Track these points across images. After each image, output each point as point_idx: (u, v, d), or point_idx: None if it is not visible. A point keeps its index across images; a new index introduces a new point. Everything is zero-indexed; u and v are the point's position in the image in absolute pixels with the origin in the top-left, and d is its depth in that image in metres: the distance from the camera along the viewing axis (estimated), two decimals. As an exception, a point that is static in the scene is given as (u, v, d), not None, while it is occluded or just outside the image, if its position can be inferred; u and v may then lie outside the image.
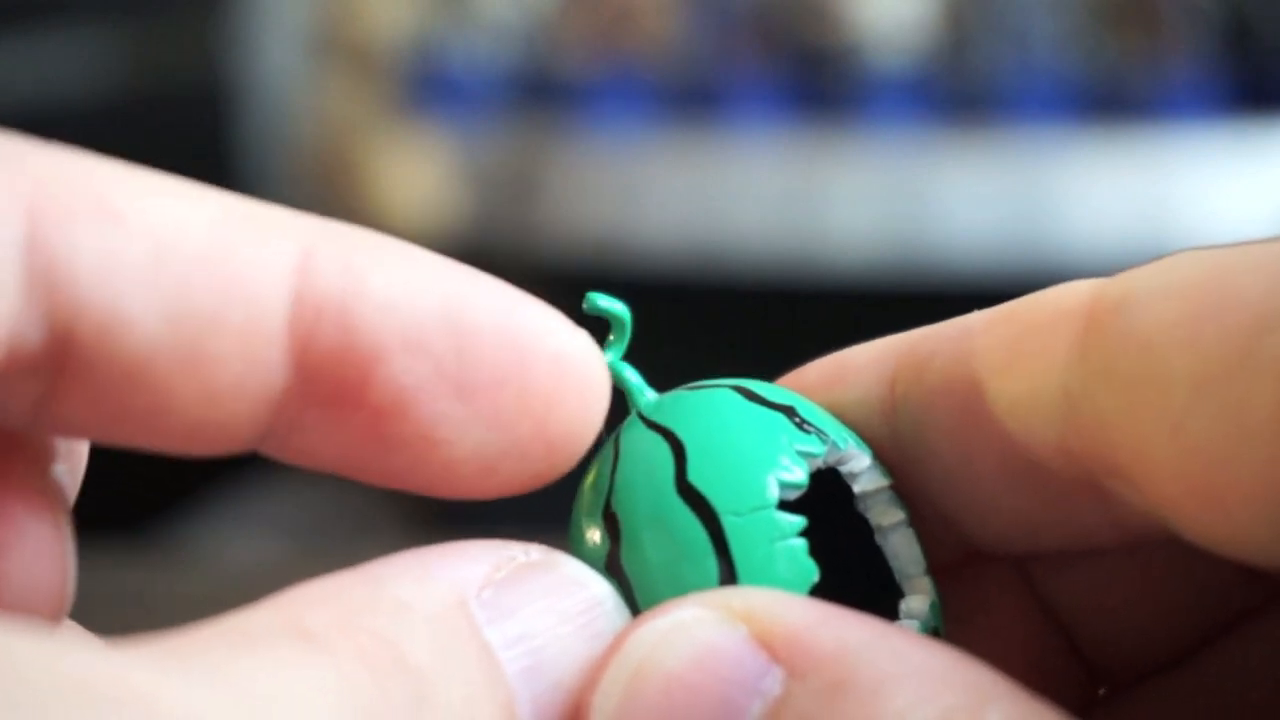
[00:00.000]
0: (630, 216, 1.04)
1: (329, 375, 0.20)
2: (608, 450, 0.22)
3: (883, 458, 0.22)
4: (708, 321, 1.08)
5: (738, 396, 0.22)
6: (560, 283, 1.02)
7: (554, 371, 0.20)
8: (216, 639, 0.17)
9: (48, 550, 0.21)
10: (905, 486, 0.22)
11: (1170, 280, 0.19)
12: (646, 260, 1.04)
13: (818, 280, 1.04)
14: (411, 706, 0.18)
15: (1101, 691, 0.24)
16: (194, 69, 1.18)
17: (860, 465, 0.22)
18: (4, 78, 1.06)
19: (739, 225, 1.05)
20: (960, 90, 1.07)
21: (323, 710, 0.17)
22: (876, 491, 0.22)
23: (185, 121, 1.15)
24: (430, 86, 1.12)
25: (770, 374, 0.24)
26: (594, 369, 0.21)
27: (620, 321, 0.23)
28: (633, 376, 0.23)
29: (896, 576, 0.22)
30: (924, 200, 1.03)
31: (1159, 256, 0.20)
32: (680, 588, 0.20)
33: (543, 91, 1.11)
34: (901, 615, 0.22)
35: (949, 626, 0.22)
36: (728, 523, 0.21)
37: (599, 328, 0.23)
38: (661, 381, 0.24)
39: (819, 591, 0.21)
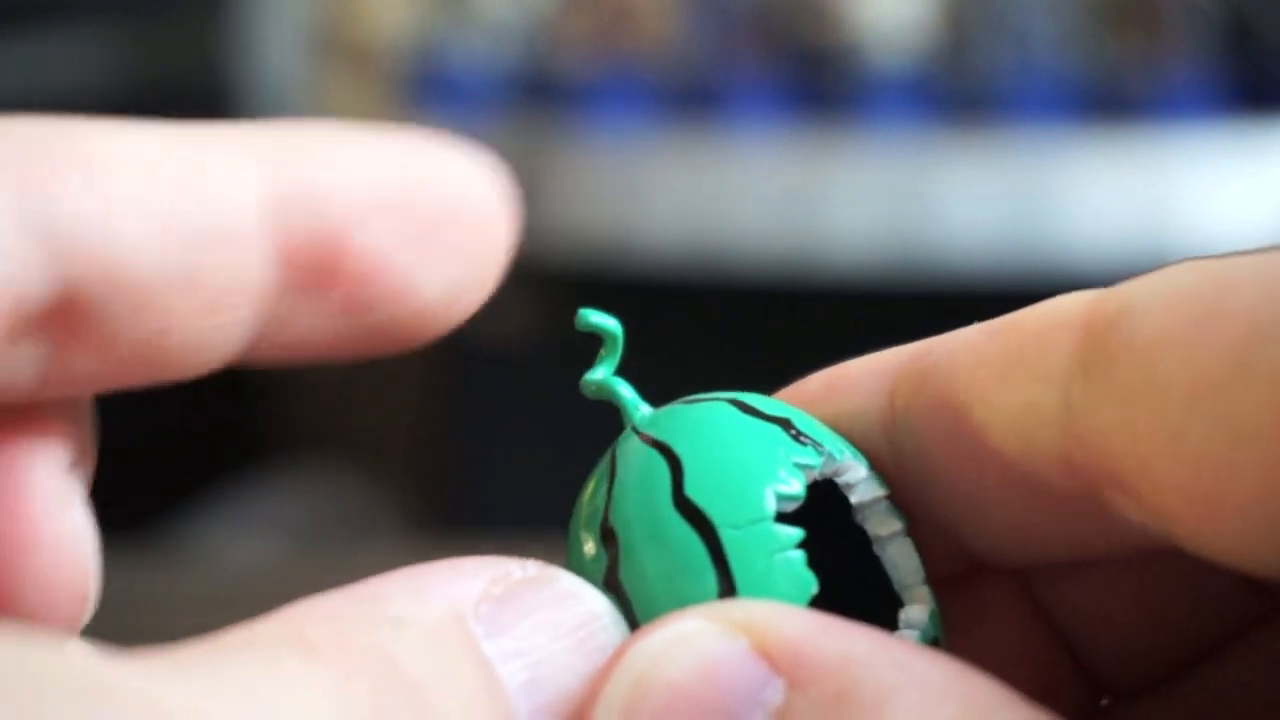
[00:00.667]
0: (630, 216, 1.04)
1: (308, 260, 0.21)
2: (604, 465, 0.22)
3: (881, 469, 0.22)
4: (708, 321, 1.09)
5: (733, 410, 0.22)
6: (560, 283, 1.02)
7: (480, 205, 0.22)
8: (217, 648, 0.18)
9: (69, 552, 0.22)
10: (904, 498, 0.22)
11: (1167, 291, 0.19)
12: (646, 260, 1.04)
13: (817, 280, 1.04)
14: (409, 714, 0.18)
15: (1104, 702, 0.24)
16: (194, 69, 1.18)
17: (857, 476, 0.22)
18: (4, 78, 1.06)
19: (739, 225, 1.05)
20: (960, 90, 1.07)
21: (322, 717, 0.17)
22: (874, 502, 0.22)
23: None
24: (430, 86, 1.12)
25: (770, 373, 0.24)
26: (500, 203, 0.23)
27: (612, 337, 0.23)
28: (626, 391, 0.23)
29: (895, 587, 0.22)
30: (924, 200, 1.03)
31: (1158, 257, 0.20)
32: (679, 601, 0.20)
33: (543, 91, 1.11)
34: (901, 625, 0.22)
35: (949, 637, 0.22)
36: (726, 536, 0.21)
37: (594, 338, 0.23)
38: (660, 380, 0.24)
39: (818, 603, 0.21)
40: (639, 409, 0.23)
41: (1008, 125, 1.05)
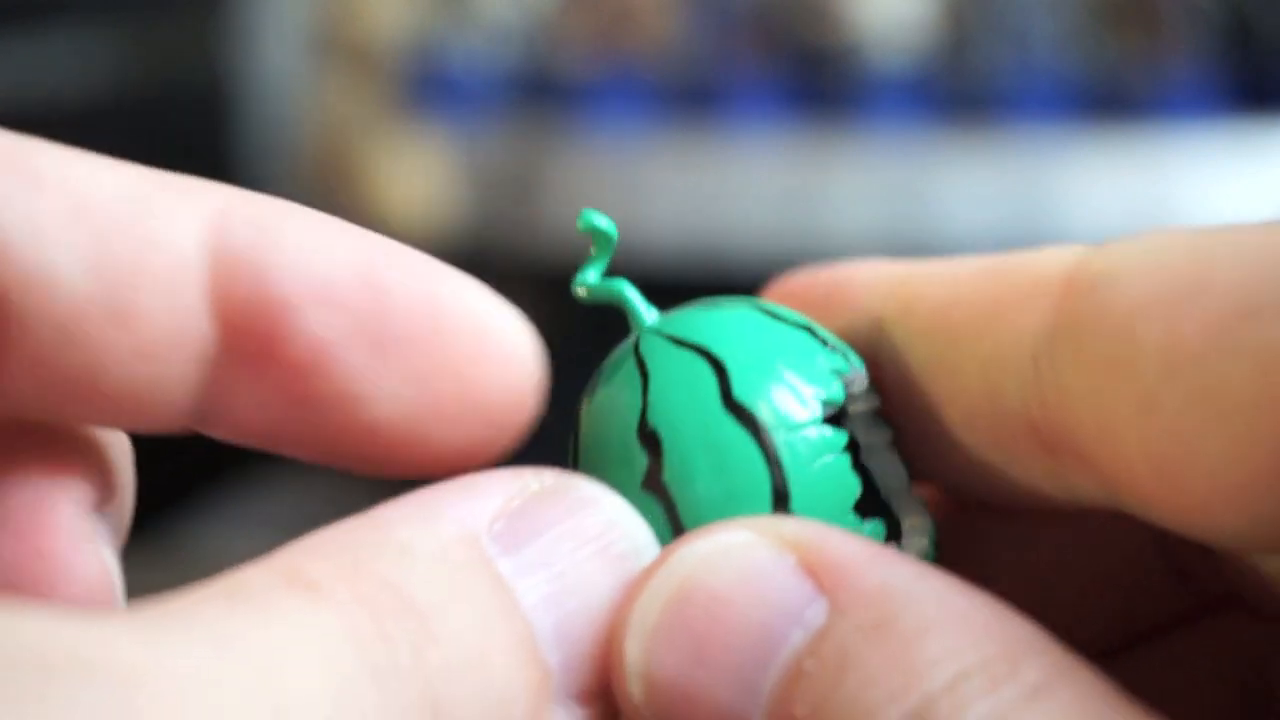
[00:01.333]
0: (630, 216, 1.04)
1: (247, 328, 0.20)
2: (625, 368, 0.22)
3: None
4: (708, 321, 1.08)
5: (762, 315, 0.22)
6: (560, 283, 1.02)
7: (472, 330, 0.21)
8: (212, 597, 0.17)
9: (92, 591, 0.22)
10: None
11: (1152, 260, 0.19)
12: (647, 260, 1.04)
13: (818, 280, 1.04)
14: (418, 647, 0.17)
15: None
16: (194, 69, 1.18)
17: (861, 385, 0.22)
18: (4, 78, 1.06)
19: (739, 225, 1.05)
20: (960, 90, 1.07)
21: (325, 662, 0.17)
22: (870, 412, 0.22)
23: (185, 121, 1.15)
24: (430, 86, 1.12)
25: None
26: (520, 343, 0.21)
27: (607, 240, 0.23)
28: (632, 292, 0.23)
29: (883, 494, 0.22)
30: (924, 199, 1.03)
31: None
32: (730, 502, 0.21)
33: (543, 91, 1.11)
34: (904, 531, 0.22)
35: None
36: (778, 439, 0.21)
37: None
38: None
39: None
40: (647, 311, 0.23)
41: (1008, 125, 1.05)
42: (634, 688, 0.19)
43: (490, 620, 0.18)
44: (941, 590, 0.19)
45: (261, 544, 0.19)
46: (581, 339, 0.23)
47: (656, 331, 0.22)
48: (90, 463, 0.22)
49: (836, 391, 0.21)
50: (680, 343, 0.22)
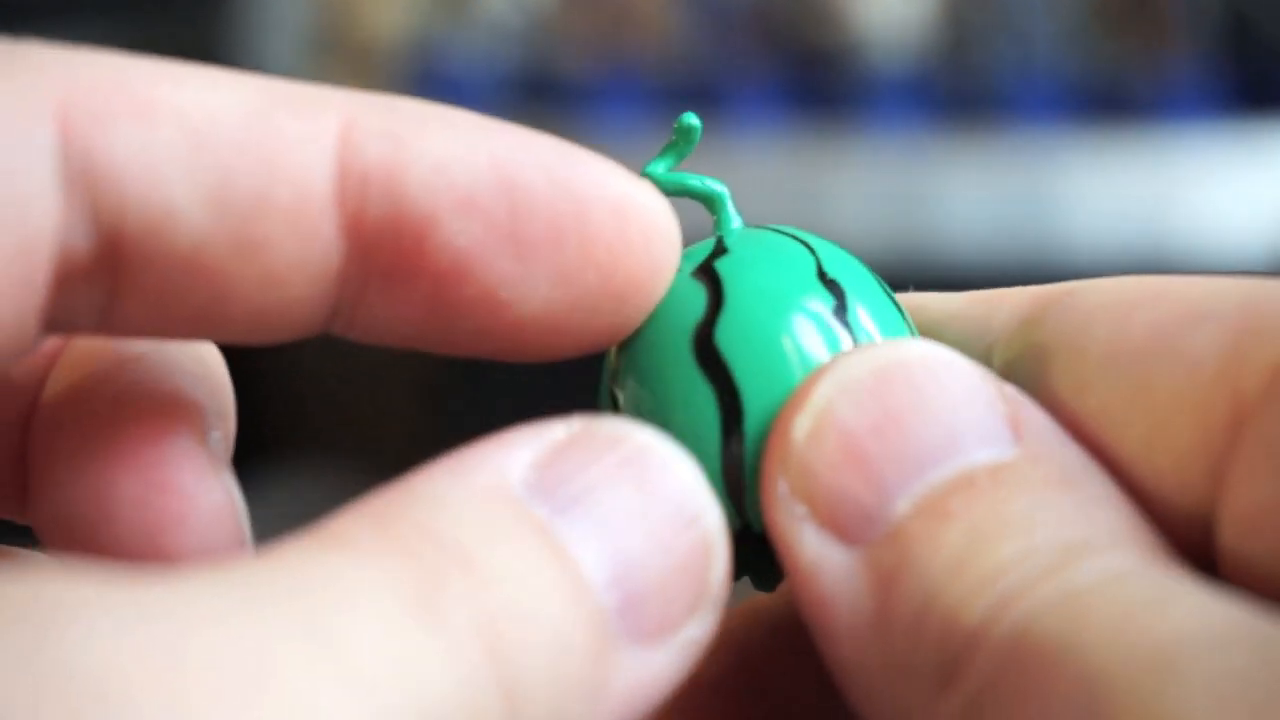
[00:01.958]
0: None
1: (384, 246, 0.20)
2: (700, 250, 0.22)
3: None
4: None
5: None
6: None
7: (614, 221, 0.20)
8: (245, 565, 0.16)
9: (221, 520, 0.21)
10: None
11: (1124, 279, 0.20)
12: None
13: (818, 280, 1.03)
14: (467, 585, 0.17)
15: None
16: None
17: None
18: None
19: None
20: (960, 90, 1.07)
21: (371, 610, 0.16)
22: None
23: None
24: (431, 86, 1.12)
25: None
26: (658, 215, 0.21)
27: (688, 135, 0.23)
28: (698, 181, 0.23)
29: None
30: (924, 200, 1.03)
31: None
32: (795, 372, 0.20)
33: (543, 91, 1.11)
34: None
35: None
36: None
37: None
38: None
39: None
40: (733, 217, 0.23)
41: (1008, 125, 1.05)
42: (804, 420, 0.19)
43: (538, 561, 0.17)
44: (1106, 479, 0.19)
45: (260, 544, 0.18)
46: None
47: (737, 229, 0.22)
48: (199, 386, 0.22)
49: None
50: (768, 229, 0.22)
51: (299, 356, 1.12)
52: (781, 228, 0.22)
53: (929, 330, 0.22)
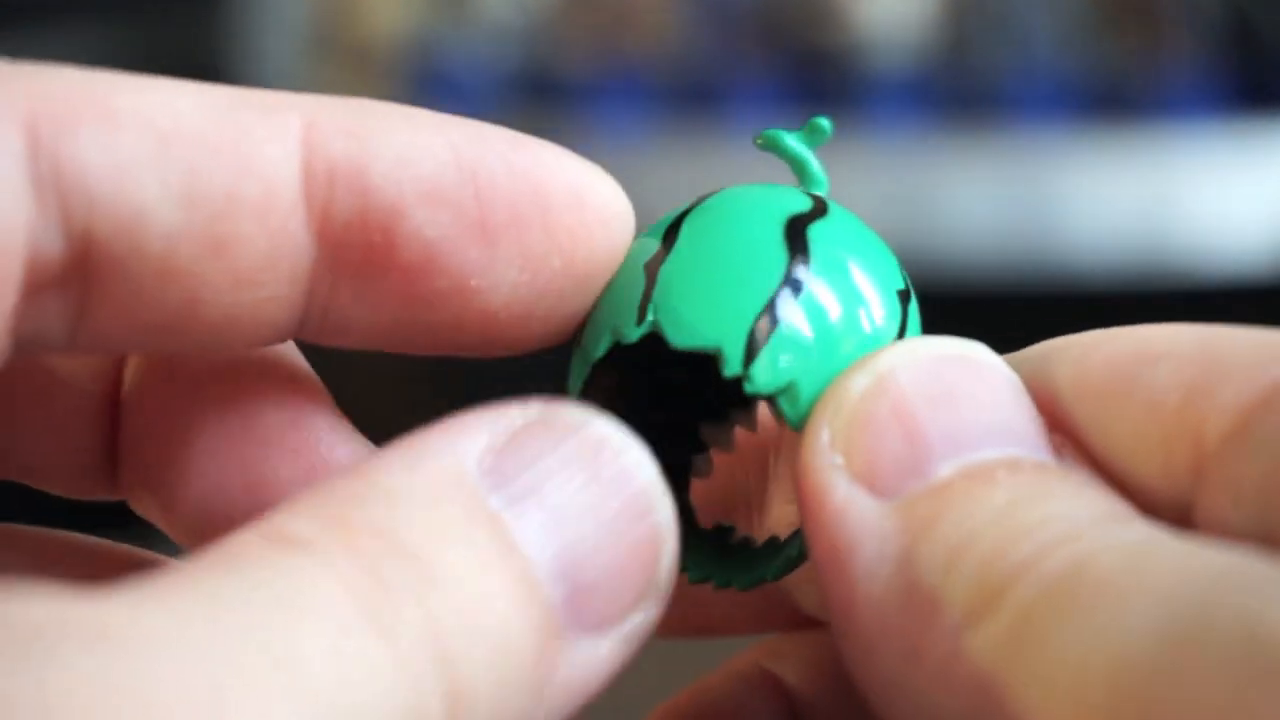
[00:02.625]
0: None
1: (353, 241, 0.20)
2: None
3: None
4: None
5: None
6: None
7: (573, 205, 0.21)
8: (201, 566, 0.17)
9: (347, 445, 0.22)
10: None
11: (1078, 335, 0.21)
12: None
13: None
14: (419, 593, 0.17)
15: None
16: (194, 67, 1.17)
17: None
18: (4, 77, 1.06)
19: (739, 225, 1.05)
20: (961, 90, 1.07)
21: (321, 616, 0.16)
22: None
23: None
24: (431, 85, 1.12)
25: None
26: (614, 199, 0.21)
27: (816, 128, 0.25)
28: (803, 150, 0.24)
29: None
30: (925, 199, 1.03)
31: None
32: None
33: (543, 91, 1.11)
34: None
35: None
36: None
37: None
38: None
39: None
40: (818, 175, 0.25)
41: (1009, 125, 1.05)
42: (862, 378, 0.20)
43: (488, 560, 0.18)
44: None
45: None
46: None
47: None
48: (296, 353, 0.22)
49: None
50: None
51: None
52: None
53: None
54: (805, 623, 0.25)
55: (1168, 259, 0.98)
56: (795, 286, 0.21)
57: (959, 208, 1.03)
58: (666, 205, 0.23)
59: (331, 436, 0.22)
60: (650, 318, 0.21)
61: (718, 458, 0.24)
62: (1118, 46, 1.08)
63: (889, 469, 0.19)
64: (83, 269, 0.19)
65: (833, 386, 0.20)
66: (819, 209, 0.23)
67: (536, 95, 1.11)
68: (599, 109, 1.09)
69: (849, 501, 0.19)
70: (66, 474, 0.23)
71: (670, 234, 0.22)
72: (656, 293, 0.21)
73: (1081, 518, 0.18)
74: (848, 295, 0.22)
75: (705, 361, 0.21)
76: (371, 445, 0.22)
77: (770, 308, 0.21)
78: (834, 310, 0.21)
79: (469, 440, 0.19)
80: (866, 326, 0.21)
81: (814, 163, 0.24)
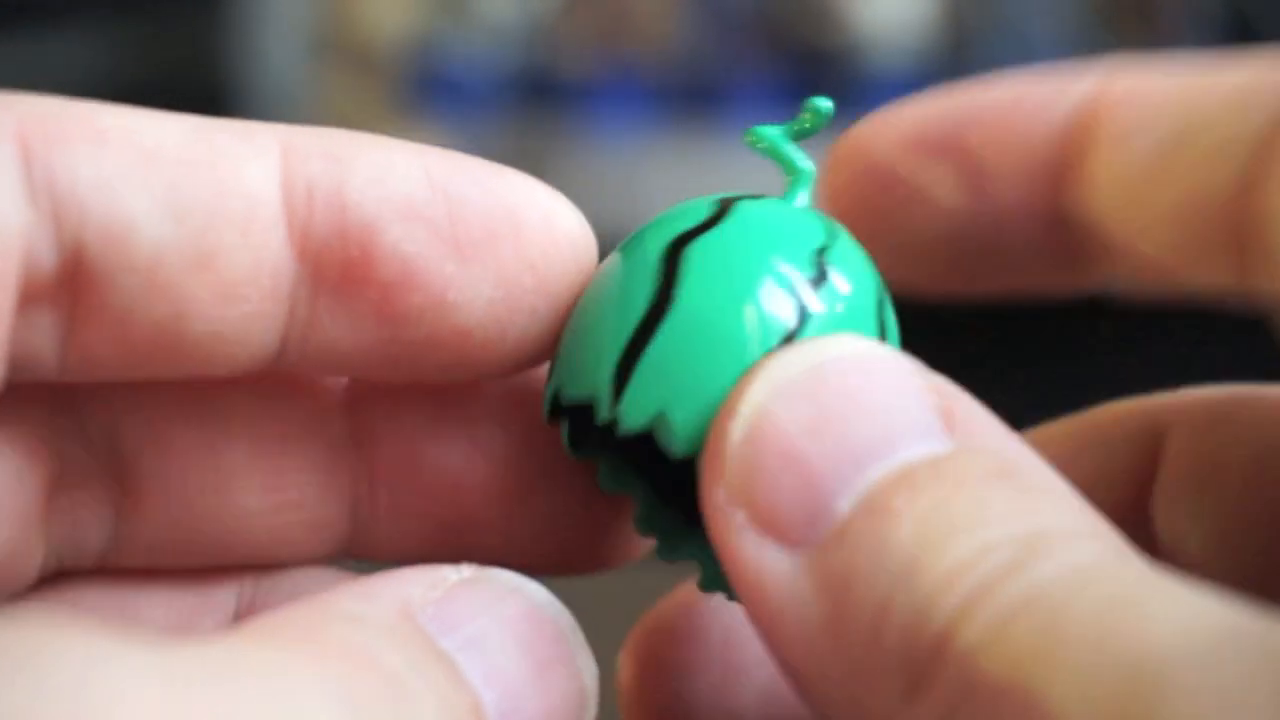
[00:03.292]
0: (631, 217, 1.04)
1: (332, 256, 0.21)
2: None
3: None
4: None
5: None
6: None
7: (543, 226, 0.21)
8: (195, 663, 0.17)
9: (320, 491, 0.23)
10: None
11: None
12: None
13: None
14: (394, 702, 0.18)
15: None
16: (194, 69, 1.18)
17: None
18: (5, 77, 1.06)
19: (739, 225, 1.05)
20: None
21: (325, 701, 0.17)
22: None
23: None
24: (431, 86, 1.12)
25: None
26: (579, 225, 0.22)
27: (816, 111, 0.25)
28: (805, 163, 0.24)
29: None
30: (924, 200, 1.03)
31: None
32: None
33: (543, 91, 1.11)
34: None
35: None
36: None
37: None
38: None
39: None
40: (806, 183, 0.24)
41: (1008, 125, 1.05)
42: (738, 426, 0.19)
43: (446, 691, 0.19)
44: (1046, 466, 0.19)
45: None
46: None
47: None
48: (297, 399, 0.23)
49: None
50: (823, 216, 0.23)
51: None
52: (840, 226, 0.23)
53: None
54: None
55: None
56: (657, 313, 0.21)
57: (959, 208, 1.03)
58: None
59: (302, 478, 0.23)
60: (553, 375, 0.22)
61: None
62: (1117, 46, 1.08)
63: (793, 517, 0.19)
64: (73, 282, 0.19)
65: (713, 432, 0.20)
66: (715, 218, 0.21)
67: (536, 96, 1.11)
68: (599, 109, 1.09)
69: (760, 560, 0.19)
70: None
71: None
72: (562, 344, 0.22)
73: (997, 555, 0.17)
74: (723, 306, 0.20)
75: None
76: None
77: (633, 342, 0.20)
78: (705, 328, 0.20)
79: (410, 586, 0.20)
80: (752, 330, 0.20)
81: (794, 154, 0.24)
